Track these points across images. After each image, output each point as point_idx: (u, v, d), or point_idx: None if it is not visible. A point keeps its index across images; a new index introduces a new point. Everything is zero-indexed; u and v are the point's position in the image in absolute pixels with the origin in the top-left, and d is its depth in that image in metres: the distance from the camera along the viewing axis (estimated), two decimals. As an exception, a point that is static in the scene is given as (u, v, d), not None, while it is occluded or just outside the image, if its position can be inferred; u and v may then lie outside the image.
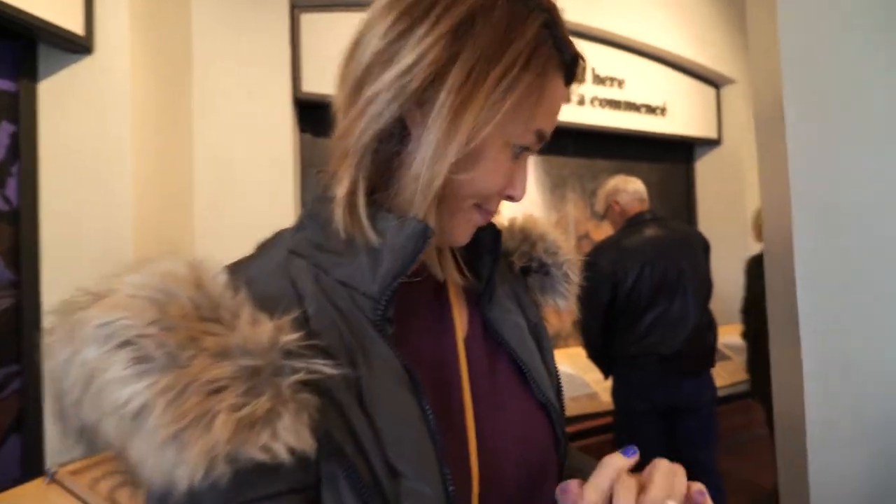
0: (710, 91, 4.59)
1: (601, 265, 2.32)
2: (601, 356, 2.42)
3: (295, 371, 0.42)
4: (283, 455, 0.39)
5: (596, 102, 3.92)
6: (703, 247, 2.43)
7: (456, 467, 0.51)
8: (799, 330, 1.07)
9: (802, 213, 1.07)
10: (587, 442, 3.10)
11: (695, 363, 2.32)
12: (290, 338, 0.43)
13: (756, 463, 3.15)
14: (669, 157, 4.63)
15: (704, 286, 2.37)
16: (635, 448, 0.48)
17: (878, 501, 0.95)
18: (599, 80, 3.94)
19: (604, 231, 2.54)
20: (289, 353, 0.42)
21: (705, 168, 4.76)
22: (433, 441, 0.48)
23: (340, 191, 0.51)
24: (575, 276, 0.73)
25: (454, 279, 0.62)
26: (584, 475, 0.50)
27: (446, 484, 0.48)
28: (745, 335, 2.95)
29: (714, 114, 4.61)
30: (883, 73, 1.01)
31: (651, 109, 4.20)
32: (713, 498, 1.88)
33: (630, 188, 2.47)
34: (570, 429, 3.12)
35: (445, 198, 0.53)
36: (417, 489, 0.46)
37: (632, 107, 4.10)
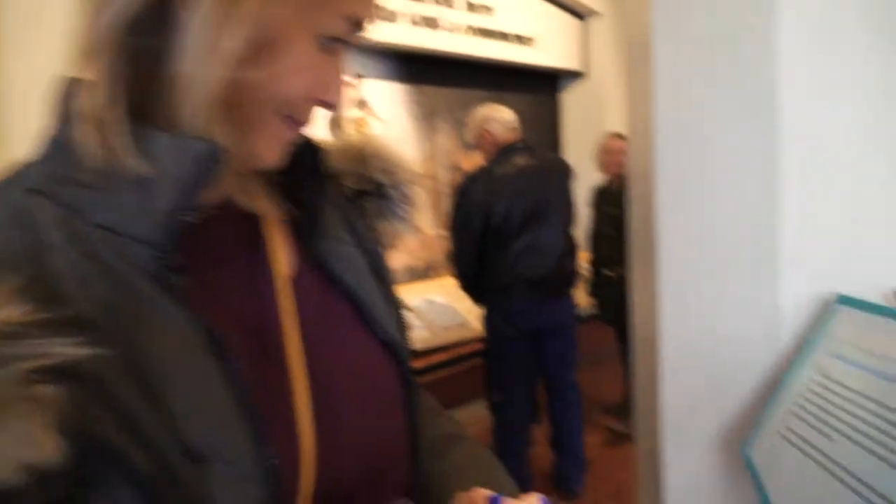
0: (576, 23, 4.68)
1: (473, 195, 2.34)
2: (474, 285, 2.48)
3: (20, 359, 0.32)
4: (13, 477, 0.30)
5: (467, 30, 3.87)
6: (569, 175, 2.52)
7: (281, 435, 0.44)
8: (657, 252, 1.13)
9: (665, 140, 1.11)
10: (458, 368, 3.21)
11: (558, 287, 2.45)
12: (12, 314, 0.33)
13: (609, 375, 3.43)
14: (537, 88, 4.71)
15: (569, 213, 2.48)
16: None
17: (725, 411, 1.05)
18: (471, 6, 3.88)
19: (474, 162, 2.55)
20: (12, 336, 0.33)
21: (571, 99, 4.91)
22: (245, 411, 0.41)
23: (90, 103, 0.39)
24: (416, 197, 0.66)
25: (269, 211, 0.52)
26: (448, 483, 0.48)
27: (265, 458, 0.41)
28: (592, 262, 3.18)
29: (580, 46, 4.73)
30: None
31: (520, 39, 4.22)
32: (578, 412, 1.97)
33: (502, 117, 2.48)
34: (441, 357, 3.20)
35: (240, 106, 0.42)
36: (227, 472, 0.39)
37: (501, 36, 4.10)
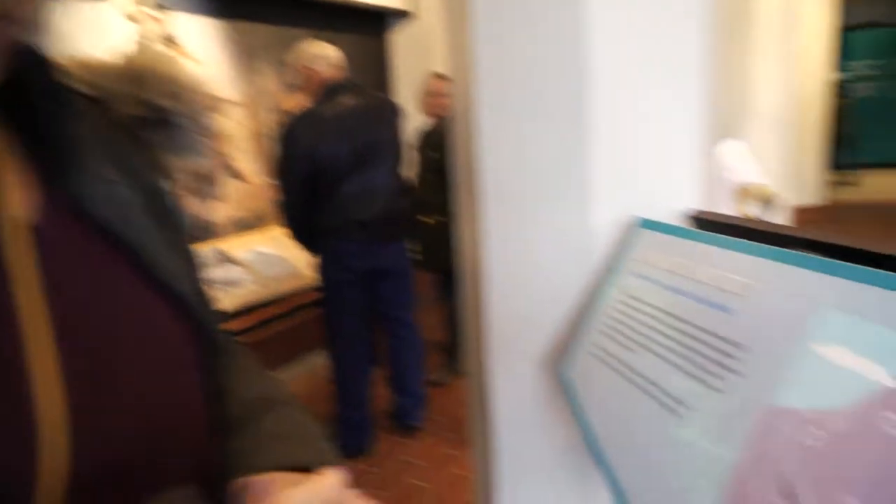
0: (401, -39, 4.56)
1: (298, 138, 2.22)
2: (303, 231, 2.38)
3: None
4: None
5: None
6: (398, 115, 2.48)
7: (6, 414, 0.37)
8: (480, 188, 1.14)
9: (485, 80, 1.10)
10: (296, 320, 3.12)
11: (391, 229, 2.44)
12: None
13: (431, 320, 3.49)
14: (364, 28, 4.56)
15: (399, 154, 2.46)
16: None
17: (546, 336, 1.10)
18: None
19: (298, 103, 2.41)
20: None
21: (400, 40, 4.83)
22: None
23: None
24: (213, 126, 0.59)
25: None
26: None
27: None
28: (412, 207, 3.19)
29: (406, -15, 4.63)
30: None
31: (344, -25, 4.03)
32: (416, 350, 1.99)
33: (326, 54, 2.35)
34: (276, 310, 3.08)
35: None
36: None
37: (325, -30, 3.88)
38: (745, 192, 2.47)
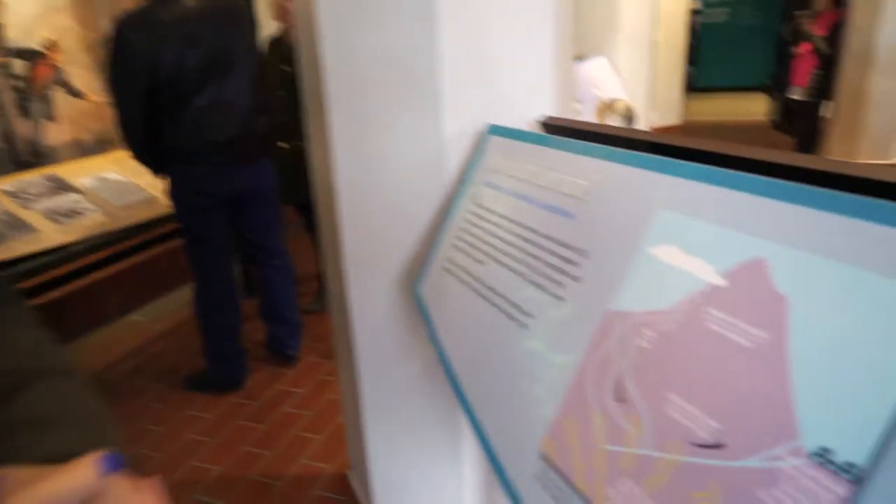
0: None
1: (133, 43, 1.93)
2: (148, 152, 2.14)
3: None
4: None
5: None
6: (251, 21, 2.23)
7: None
8: (328, 101, 1.04)
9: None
10: (155, 251, 2.88)
11: (252, 149, 2.25)
12: None
13: (306, 246, 3.31)
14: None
15: (254, 63, 2.23)
16: (120, 459, 0.33)
17: (402, 252, 1.05)
18: None
19: (132, 2, 2.09)
20: None
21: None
22: None
23: None
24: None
25: None
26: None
27: None
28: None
29: None
30: None
31: None
32: (286, 277, 1.83)
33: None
34: (130, 243, 2.81)
35: None
36: None
37: None
38: (607, 107, 2.53)
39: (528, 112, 0.99)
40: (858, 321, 0.40)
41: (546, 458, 0.61)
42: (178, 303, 3.05)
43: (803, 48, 4.51)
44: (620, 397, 0.55)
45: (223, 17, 2.11)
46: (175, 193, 2.19)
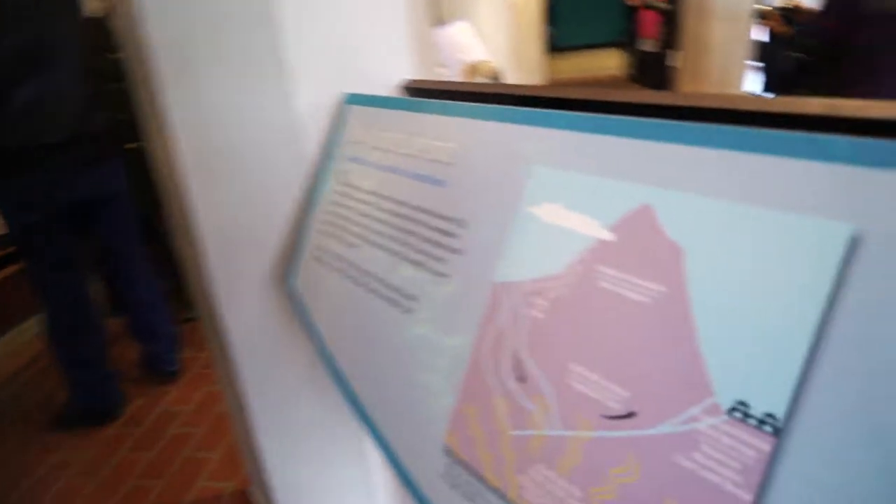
0: None
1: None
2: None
3: None
4: None
5: None
6: (74, 6, 1.95)
7: None
8: (158, 84, 0.90)
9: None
10: (-9, 278, 2.52)
11: (92, 150, 1.99)
12: None
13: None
14: None
15: (83, 55, 1.96)
16: None
17: (268, 245, 0.94)
18: None
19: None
20: None
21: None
22: None
23: None
24: None
25: None
26: None
27: None
28: None
29: None
30: None
31: None
32: (151, 287, 1.60)
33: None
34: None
35: None
36: None
37: None
38: (472, 70, 2.50)
39: (388, 79, 0.91)
40: (757, 262, 0.37)
41: (451, 454, 0.55)
42: (32, 332, 2.71)
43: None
44: (520, 376, 0.50)
45: (41, 3, 1.82)
46: (3, 207, 1.90)
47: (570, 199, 0.49)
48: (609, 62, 7.47)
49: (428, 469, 0.57)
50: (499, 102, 0.61)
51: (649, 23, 4.79)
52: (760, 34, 4.06)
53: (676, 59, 4.64)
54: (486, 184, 0.57)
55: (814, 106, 0.41)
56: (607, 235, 0.46)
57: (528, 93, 0.64)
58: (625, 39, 6.63)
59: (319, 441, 1.12)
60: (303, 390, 1.05)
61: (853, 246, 0.33)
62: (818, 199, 0.35)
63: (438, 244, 0.60)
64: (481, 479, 0.51)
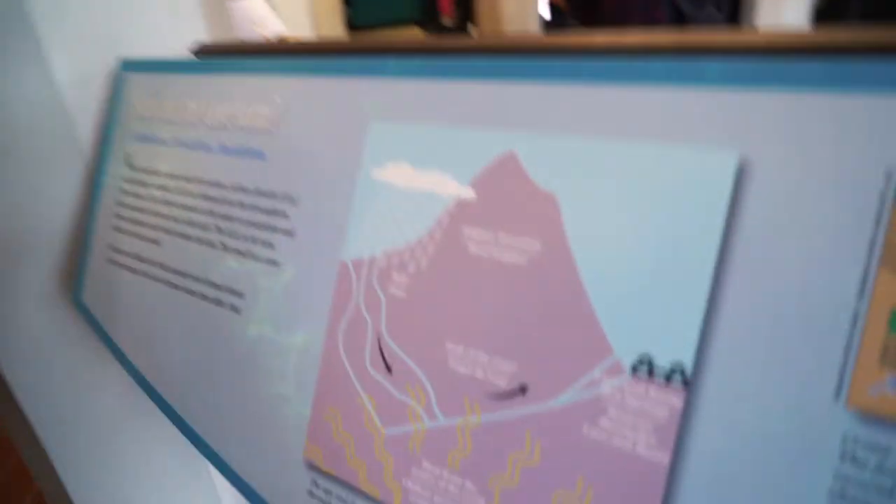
0: None
1: None
2: None
3: None
4: None
5: None
6: None
7: None
8: None
9: None
10: None
11: None
12: None
13: None
14: None
15: None
16: None
17: (45, 257, 0.75)
18: None
19: None
20: None
21: None
22: None
23: None
24: None
25: None
26: None
27: None
28: None
29: None
30: None
31: None
32: None
33: None
34: None
35: None
36: None
37: None
38: (271, 45, 2.33)
39: (177, 44, 0.76)
40: (642, 202, 0.33)
41: (314, 468, 0.47)
42: None
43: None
44: (388, 366, 0.42)
45: None
46: None
47: (419, 156, 0.43)
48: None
49: (291, 491, 0.48)
50: (316, 55, 0.52)
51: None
52: (545, 8, 4.33)
53: (474, 33, 4.79)
54: (316, 150, 0.48)
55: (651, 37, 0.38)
56: (468, 193, 0.40)
57: (348, 46, 0.56)
58: (423, 17, 6.71)
59: (153, 476, 0.96)
60: (120, 420, 0.88)
61: (741, 174, 0.31)
62: (697, 128, 0.32)
63: (266, 227, 0.50)
64: (357, 489, 0.44)
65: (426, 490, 0.40)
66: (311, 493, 0.46)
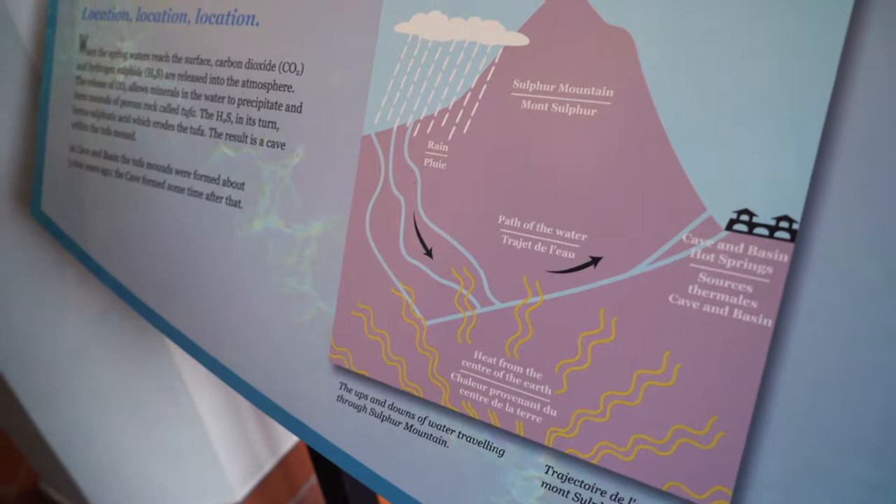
0: None
1: None
2: None
3: None
4: None
5: None
6: None
7: None
8: None
9: None
10: None
11: None
12: None
13: None
14: None
15: None
16: None
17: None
18: None
19: None
20: None
21: None
22: None
23: None
24: None
25: None
26: None
27: None
28: None
29: None
30: None
31: None
32: None
33: None
34: None
35: None
36: None
37: None
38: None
39: None
40: (739, 29, 0.28)
41: (343, 370, 0.42)
42: None
43: None
44: (426, 249, 0.38)
45: None
46: None
47: (454, 1, 0.36)
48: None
49: (314, 399, 0.44)
50: None
51: None
52: None
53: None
54: (321, 4, 0.41)
55: None
56: (518, 39, 0.34)
57: None
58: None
59: (126, 402, 0.91)
60: (90, 346, 0.82)
61: (870, -19, 0.26)
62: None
63: (265, 104, 0.43)
64: (395, 391, 0.40)
65: (480, 383, 0.36)
66: (341, 399, 0.42)
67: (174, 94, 0.48)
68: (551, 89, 0.33)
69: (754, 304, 0.28)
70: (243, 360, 0.47)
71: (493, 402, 0.36)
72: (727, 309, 0.29)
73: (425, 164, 0.37)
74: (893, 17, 0.25)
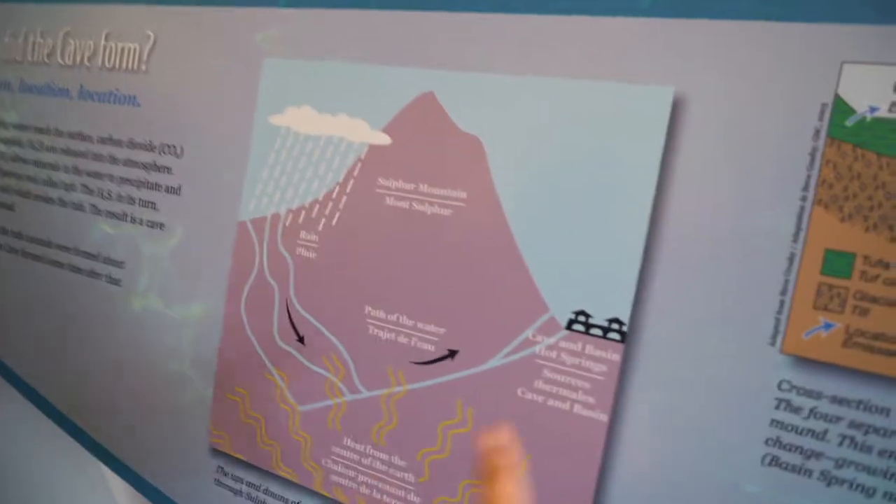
0: None
1: None
2: None
3: None
4: None
5: None
6: None
7: None
8: None
9: None
10: None
11: None
12: None
13: None
14: None
15: None
16: None
17: None
18: None
19: None
20: None
21: None
22: None
23: None
24: None
25: None
26: None
27: None
28: None
29: None
30: None
31: None
32: None
33: None
34: None
35: None
36: None
37: None
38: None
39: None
40: (578, 141, 0.31)
41: (221, 453, 0.42)
42: None
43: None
44: (299, 336, 0.38)
45: None
46: None
47: (324, 97, 0.38)
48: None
49: (191, 482, 0.43)
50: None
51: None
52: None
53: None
54: (201, 93, 0.41)
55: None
56: (382, 139, 0.36)
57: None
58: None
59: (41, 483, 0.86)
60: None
61: (678, 108, 0.29)
62: (631, 60, 0.30)
63: (145, 184, 0.43)
64: (270, 474, 0.40)
65: (349, 469, 0.37)
66: (218, 482, 0.42)
67: (55, 167, 0.47)
68: (412, 188, 0.35)
69: (591, 400, 0.30)
70: (123, 439, 0.46)
71: (361, 489, 0.36)
72: (569, 404, 0.31)
73: (297, 253, 0.38)
74: (700, 142, 0.28)
